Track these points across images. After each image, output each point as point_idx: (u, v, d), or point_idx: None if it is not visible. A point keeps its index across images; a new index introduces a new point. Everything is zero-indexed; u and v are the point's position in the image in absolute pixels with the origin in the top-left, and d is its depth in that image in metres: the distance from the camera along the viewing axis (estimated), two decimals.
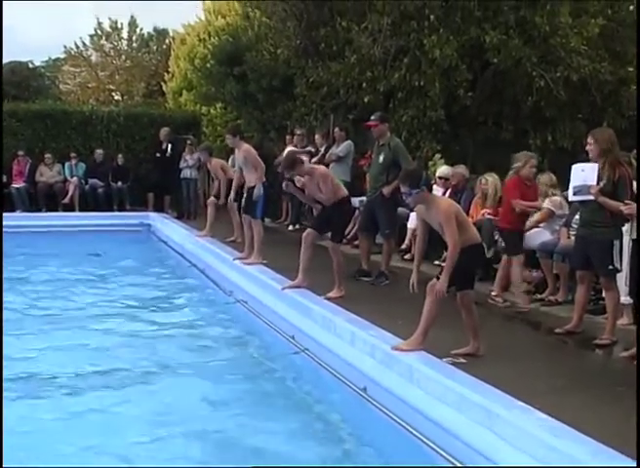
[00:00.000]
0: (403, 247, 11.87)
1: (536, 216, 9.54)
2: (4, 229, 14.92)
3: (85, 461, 5.16)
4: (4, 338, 7.43)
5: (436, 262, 10.21)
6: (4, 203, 17.82)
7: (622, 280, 7.22)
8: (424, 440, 5.10)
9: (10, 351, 7.30)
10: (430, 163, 13.50)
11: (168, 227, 15.91)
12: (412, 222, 11.56)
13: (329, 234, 8.90)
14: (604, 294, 7.38)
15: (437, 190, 11.79)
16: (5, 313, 8.84)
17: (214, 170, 13.62)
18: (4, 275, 10.77)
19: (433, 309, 6.05)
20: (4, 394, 5.86)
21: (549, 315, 8.25)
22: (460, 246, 6.03)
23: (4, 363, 6.79)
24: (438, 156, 13.53)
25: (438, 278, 6.09)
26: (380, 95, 14.56)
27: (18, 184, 18.50)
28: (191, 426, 5.80)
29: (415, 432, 5.23)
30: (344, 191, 9.04)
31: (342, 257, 8.84)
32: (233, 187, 11.73)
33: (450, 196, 11.36)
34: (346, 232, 13.51)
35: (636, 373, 5.45)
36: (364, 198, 11.20)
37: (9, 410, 5.60)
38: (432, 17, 13.85)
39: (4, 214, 16.80)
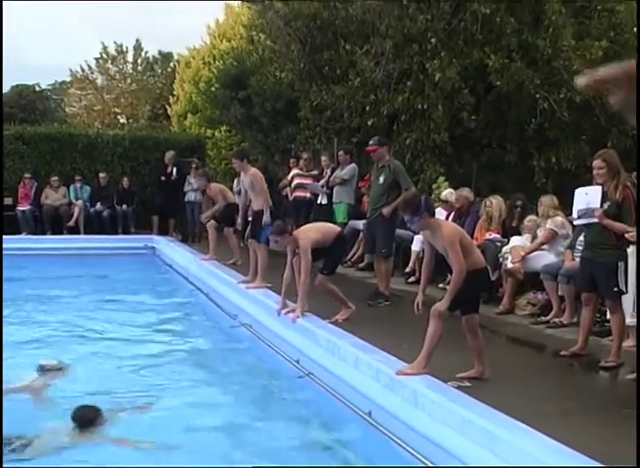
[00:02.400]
0: (407, 270, 11.86)
1: (539, 238, 9.56)
2: (9, 252, 15.01)
3: None
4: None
5: (441, 285, 10.19)
6: (10, 225, 17.90)
7: (629, 302, 7.20)
8: (430, 464, 5.08)
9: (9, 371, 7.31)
10: (434, 186, 13.51)
11: (172, 250, 15.92)
12: (416, 245, 11.57)
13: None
14: (609, 316, 7.36)
15: (441, 213, 11.81)
16: (7, 335, 8.83)
17: (213, 194, 13.72)
18: (9, 296, 10.81)
19: (437, 332, 6.04)
20: None
21: (555, 337, 8.22)
22: (466, 269, 6.04)
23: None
24: (442, 179, 13.53)
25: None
26: (383, 118, 14.59)
27: (23, 207, 18.54)
28: (196, 452, 5.77)
29: (420, 456, 5.20)
30: (336, 228, 9.32)
31: (332, 285, 8.81)
32: (240, 211, 11.76)
33: (454, 219, 11.38)
34: (350, 255, 13.59)
35: (636, 382, 5.40)
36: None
37: None
38: (434, 40, 13.90)
39: (10, 237, 16.92)
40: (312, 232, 8.82)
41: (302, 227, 9.34)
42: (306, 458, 5.72)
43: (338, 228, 9.40)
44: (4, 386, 6.51)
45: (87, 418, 6.11)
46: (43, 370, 7.55)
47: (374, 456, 5.72)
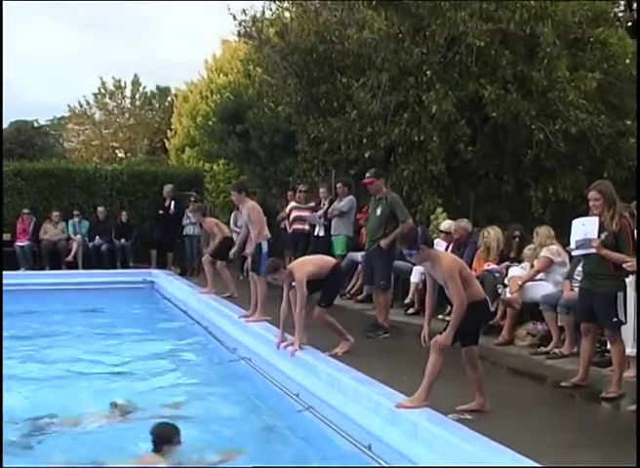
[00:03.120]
0: (406, 301, 11.85)
1: (535, 266, 9.56)
2: (9, 287, 15.00)
3: None
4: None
5: (440, 316, 10.17)
6: (9, 261, 17.90)
7: (628, 332, 7.19)
8: None
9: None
10: (432, 217, 13.54)
11: (171, 284, 15.91)
12: (414, 276, 11.58)
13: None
14: (609, 347, 7.34)
15: (440, 244, 11.83)
16: (8, 369, 8.83)
17: (209, 228, 13.82)
18: (5, 333, 10.77)
19: (437, 365, 6.02)
20: None
21: (555, 368, 8.19)
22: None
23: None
24: (440, 210, 13.57)
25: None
26: (380, 150, 14.65)
27: (22, 242, 18.58)
28: None
29: None
30: (332, 260, 9.24)
31: (330, 317, 8.80)
32: (238, 243, 11.76)
33: (453, 250, 11.39)
34: (349, 287, 13.59)
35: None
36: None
37: None
38: (430, 72, 14.00)
39: (8, 273, 16.90)
40: (308, 265, 8.75)
41: (298, 260, 9.30)
42: None
43: (333, 260, 9.32)
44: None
45: (165, 435, 6.15)
46: (115, 408, 7.50)
47: None
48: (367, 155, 14.63)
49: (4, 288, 14.96)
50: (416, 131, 14.21)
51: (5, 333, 11.56)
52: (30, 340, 11.60)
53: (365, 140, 14.77)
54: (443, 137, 14.14)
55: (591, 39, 14.70)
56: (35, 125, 41.87)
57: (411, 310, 11.56)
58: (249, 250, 10.81)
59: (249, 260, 11.08)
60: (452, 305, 9.95)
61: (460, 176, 14.88)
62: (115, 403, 7.56)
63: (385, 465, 4.70)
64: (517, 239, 10.69)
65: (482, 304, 6.50)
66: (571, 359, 8.29)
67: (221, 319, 11.45)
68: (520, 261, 10.16)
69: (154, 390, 8.60)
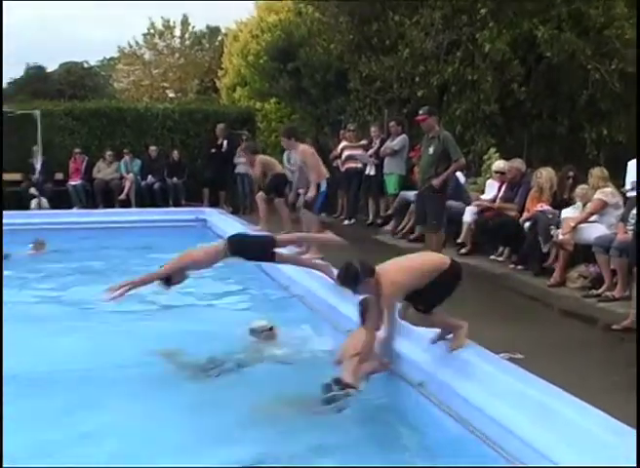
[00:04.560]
0: (459, 241, 11.85)
1: (588, 208, 9.49)
2: (63, 226, 15.35)
3: None
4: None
5: (492, 257, 10.20)
6: (62, 200, 18.28)
7: None
8: (482, 437, 5.11)
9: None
10: (485, 157, 13.45)
11: (223, 222, 16.01)
12: (467, 216, 11.56)
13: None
14: None
15: (493, 185, 11.81)
16: (68, 304, 9.04)
17: (254, 167, 13.81)
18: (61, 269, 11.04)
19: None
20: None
21: (606, 311, 8.17)
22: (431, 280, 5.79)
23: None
24: (493, 150, 13.47)
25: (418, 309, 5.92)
26: (433, 88, 14.54)
27: (74, 182, 18.90)
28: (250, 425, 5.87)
29: (473, 429, 5.23)
30: (442, 261, 6.27)
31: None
32: (294, 188, 11.83)
33: (506, 190, 11.37)
34: (401, 226, 13.62)
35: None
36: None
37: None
38: (484, 11, 13.77)
39: (62, 212, 17.26)
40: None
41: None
42: (355, 424, 5.84)
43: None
44: None
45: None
46: (255, 333, 7.61)
47: (425, 427, 5.78)
48: (419, 94, 14.54)
49: (59, 226, 15.41)
50: (469, 70, 14.06)
51: (65, 270, 11.91)
52: (87, 276, 11.82)
53: (417, 79, 14.67)
54: (496, 77, 13.97)
55: None
56: (85, 66, 42.10)
57: (463, 250, 11.56)
58: (304, 190, 10.83)
59: (301, 198, 11.14)
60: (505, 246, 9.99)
61: (513, 117, 14.72)
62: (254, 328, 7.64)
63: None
64: (571, 180, 10.60)
65: (450, 270, 5.94)
66: (622, 302, 8.25)
67: None
68: (573, 203, 10.09)
69: (203, 326, 8.71)
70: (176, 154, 19.34)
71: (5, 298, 8.84)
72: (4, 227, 15.26)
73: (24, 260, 12.72)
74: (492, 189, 11.92)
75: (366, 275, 5.79)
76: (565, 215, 9.71)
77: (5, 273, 10.53)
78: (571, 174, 10.68)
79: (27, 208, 18.10)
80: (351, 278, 5.85)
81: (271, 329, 7.57)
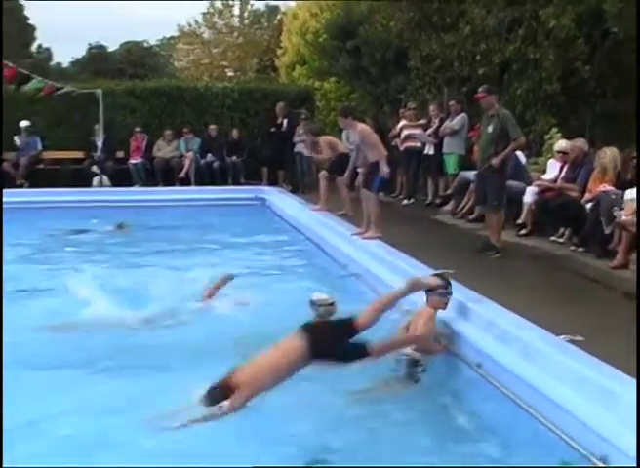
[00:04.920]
0: (519, 222, 11.71)
1: None
2: (123, 204, 15.60)
3: None
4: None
5: (552, 238, 10.08)
6: (123, 178, 18.54)
7: None
8: (541, 419, 5.07)
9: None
10: (546, 137, 13.26)
11: (282, 201, 16.09)
12: (528, 197, 11.42)
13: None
14: None
15: (555, 165, 11.64)
16: (135, 283, 9.18)
17: (321, 147, 13.82)
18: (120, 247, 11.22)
19: None
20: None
21: None
22: None
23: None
24: (554, 130, 13.26)
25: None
26: (494, 67, 14.34)
27: (135, 160, 19.13)
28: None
29: (531, 411, 5.20)
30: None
31: None
32: (350, 167, 11.81)
33: (567, 170, 11.20)
34: (460, 206, 13.52)
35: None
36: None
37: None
38: None
39: (123, 189, 17.53)
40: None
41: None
42: (413, 405, 5.83)
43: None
44: None
45: None
46: (314, 305, 7.61)
47: (483, 408, 5.77)
48: (480, 72, 14.36)
49: (118, 204, 15.66)
50: (531, 48, 13.83)
51: (123, 250, 12.06)
52: (147, 254, 11.99)
53: (478, 57, 14.49)
54: (559, 55, 13.71)
55: None
56: (145, 45, 42.51)
57: (523, 231, 11.42)
58: (363, 169, 10.80)
59: (359, 177, 11.12)
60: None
61: (576, 96, 14.44)
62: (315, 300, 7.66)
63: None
64: (634, 160, 10.39)
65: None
66: None
67: (333, 235, 11.56)
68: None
69: (260, 304, 8.77)
70: (235, 133, 19.43)
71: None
72: (66, 204, 15.65)
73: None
74: (553, 169, 11.74)
75: None
76: (628, 197, 9.52)
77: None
78: (635, 154, 10.47)
79: (89, 185, 18.38)
80: None
81: (332, 304, 7.57)
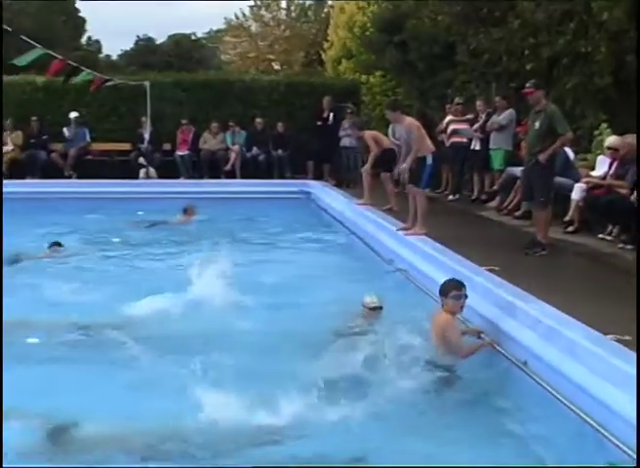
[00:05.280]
0: (566, 219, 11.56)
1: None
2: (169, 195, 15.73)
3: None
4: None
5: (600, 236, 9.97)
6: (169, 170, 18.69)
7: None
8: (587, 418, 5.01)
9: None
10: (596, 132, 13.06)
11: (327, 195, 16.10)
12: (576, 194, 11.27)
13: None
14: None
15: (604, 161, 11.47)
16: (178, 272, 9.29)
17: (367, 142, 13.78)
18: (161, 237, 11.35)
19: None
20: None
21: None
22: None
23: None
24: (604, 126, 13.05)
25: None
26: (543, 61, 14.15)
27: (182, 152, 19.26)
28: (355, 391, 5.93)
29: (577, 410, 5.14)
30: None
31: None
32: (401, 159, 11.74)
33: (617, 167, 11.03)
34: (506, 203, 13.39)
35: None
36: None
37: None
38: None
39: (169, 181, 17.67)
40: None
41: None
42: (458, 404, 5.81)
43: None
44: None
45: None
46: (366, 307, 7.71)
47: (528, 406, 5.72)
48: (528, 67, 14.17)
49: (165, 196, 15.81)
50: (582, 41, 13.60)
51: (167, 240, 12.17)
52: (191, 246, 12.05)
53: (527, 52, 14.29)
54: (611, 48, 13.48)
55: None
56: (193, 38, 42.74)
57: (570, 228, 11.25)
58: (407, 164, 10.73)
59: (404, 174, 11.06)
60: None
61: (628, 90, 14.20)
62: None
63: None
64: None
65: None
66: None
67: (378, 230, 11.53)
68: None
69: (305, 298, 8.79)
70: (281, 126, 19.45)
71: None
72: (113, 195, 15.84)
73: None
74: (603, 166, 11.57)
75: None
76: None
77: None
78: None
79: (136, 177, 18.55)
80: None
81: (380, 308, 7.60)
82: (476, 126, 14.93)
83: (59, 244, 11.17)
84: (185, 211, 13.84)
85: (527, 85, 10.21)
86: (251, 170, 19.17)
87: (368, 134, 14.00)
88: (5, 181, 17.62)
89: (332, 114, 18.54)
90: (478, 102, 15.22)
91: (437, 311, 6.69)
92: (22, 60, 11.95)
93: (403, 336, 6.29)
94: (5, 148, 18.77)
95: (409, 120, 10.75)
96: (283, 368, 6.40)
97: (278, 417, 5.36)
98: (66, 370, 6.48)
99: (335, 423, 5.33)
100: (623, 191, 10.64)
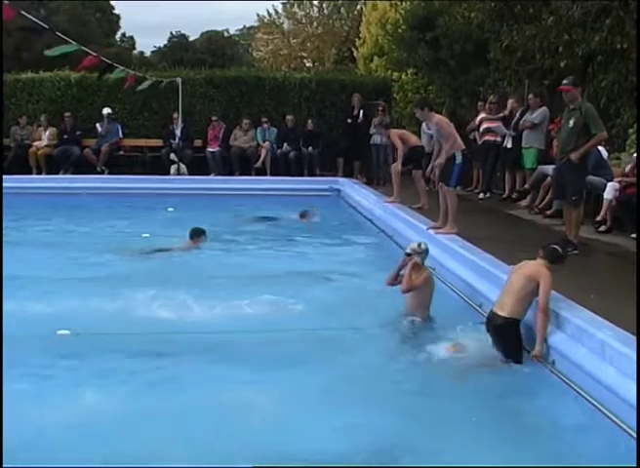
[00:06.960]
0: (598, 218, 11.41)
1: None
2: (200, 191, 15.78)
3: None
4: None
5: (633, 235, 9.84)
6: (200, 166, 18.73)
7: None
8: (616, 420, 4.94)
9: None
10: (630, 131, 12.89)
11: (357, 192, 16.06)
12: (608, 193, 11.12)
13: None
14: None
15: (632, 160, 11.33)
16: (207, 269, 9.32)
17: (393, 140, 13.74)
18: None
19: None
20: None
21: None
22: None
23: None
24: None
25: None
26: (578, 59, 13.97)
27: (212, 148, 19.29)
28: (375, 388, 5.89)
29: (605, 411, 5.07)
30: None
31: None
32: (433, 157, 11.66)
33: None
34: (537, 202, 13.25)
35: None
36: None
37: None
38: None
39: (199, 177, 17.72)
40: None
41: None
42: (482, 403, 5.75)
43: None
44: None
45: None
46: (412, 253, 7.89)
47: (556, 407, 5.64)
48: (562, 64, 13.99)
49: (195, 192, 15.87)
50: (618, 38, 13.41)
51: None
52: (221, 242, 12.08)
53: (561, 49, 14.09)
54: None
55: None
56: (225, 35, 42.83)
57: (602, 228, 11.11)
58: (437, 161, 10.65)
59: (436, 171, 10.98)
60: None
61: None
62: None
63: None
64: None
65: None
66: None
67: (407, 228, 11.46)
68: None
69: (332, 296, 8.77)
70: (311, 124, 19.41)
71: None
72: (145, 191, 15.91)
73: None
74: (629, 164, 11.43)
75: None
76: None
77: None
78: None
79: (167, 173, 18.61)
80: None
81: (427, 251, 7.95)
82: (511, 123, 14.80)
83: (202, 233, 11.31)
84: (304, 214, 14.05)
85: (564, 82, 10.03)
86: (281, 167, 19.15)
87: (394, 132, 13.97)
88: (41, 177, 17.98)
89: (362, 112, 18.47)
90: (510, 100, 15.09)
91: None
92: (56, 51, 12.00)
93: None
94: (38, 143, 18.96)
95: (437, 117, 10.66)
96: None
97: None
98: None
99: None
100: None
